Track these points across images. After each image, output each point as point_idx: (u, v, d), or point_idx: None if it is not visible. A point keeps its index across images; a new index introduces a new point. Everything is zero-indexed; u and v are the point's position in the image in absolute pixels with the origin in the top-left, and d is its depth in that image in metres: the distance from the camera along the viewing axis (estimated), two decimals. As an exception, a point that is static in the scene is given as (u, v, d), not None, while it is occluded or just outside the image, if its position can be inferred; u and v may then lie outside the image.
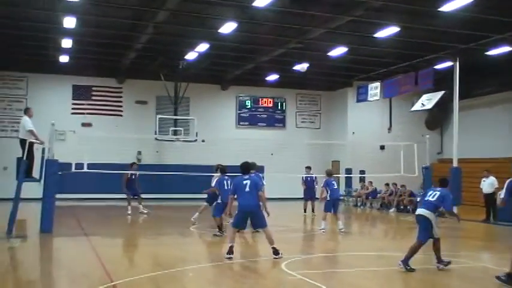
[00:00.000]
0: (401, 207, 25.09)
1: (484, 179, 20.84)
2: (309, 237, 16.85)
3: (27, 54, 27.06)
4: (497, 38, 21.70)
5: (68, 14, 19.90)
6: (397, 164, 21.15)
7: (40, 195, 15.60)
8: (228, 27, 20.88)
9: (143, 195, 21.82)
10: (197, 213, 17.22)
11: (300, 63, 25.67)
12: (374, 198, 27.52)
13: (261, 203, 11.85)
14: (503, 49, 22.92)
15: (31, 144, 15.16)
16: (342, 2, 19.07)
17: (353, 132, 32.13)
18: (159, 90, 29.47)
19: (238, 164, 12.09)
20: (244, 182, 11.55)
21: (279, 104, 33.76)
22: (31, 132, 15.15)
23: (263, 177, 16.99)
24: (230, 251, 11.21)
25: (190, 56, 26.08)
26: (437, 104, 26.48)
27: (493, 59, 24.42)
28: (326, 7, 19.50)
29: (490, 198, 19.92)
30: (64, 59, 27.33)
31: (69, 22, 20.53)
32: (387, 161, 27.42)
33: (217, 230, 15.19)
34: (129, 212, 20.86)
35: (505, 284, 9.04)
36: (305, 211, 22.08)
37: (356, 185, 30.31)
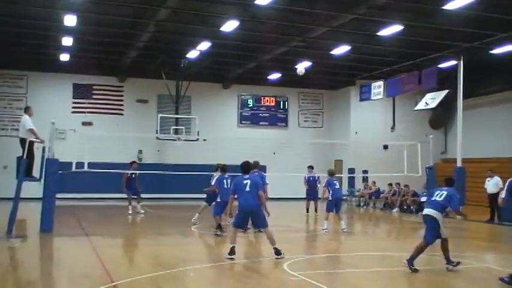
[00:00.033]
0: (405, 207, 25.06)
1: (488, 178, 20.80)
2: (312, 238, 16.83)
3: (27, 52, 27.08)
4: (501, 36, 21.66)
5: (69, 11, 19.92)
6: (400, 163, 21.14)
7: (40, 195, 15.61)
8: (230, 26, 20.87)
9: (144, 195, 21.82)
10: (197, 214, 17.27)
11: (302, 61, 25.66)
12: (377, 198, 27.50)
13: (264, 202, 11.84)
14: (508, 48, 22.88)
15: (31, 143, 15.17)
16: (345, 0, 19.05)
17: (356, 132, 32.11)
18: (160, 89, 29.49)
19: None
20: (245, 181, 11.53)
21: (281, 103, 33.75)
22: (31, 131, 15.16)
23: (265, 176, 17.00)
24: (232, 252, 11.20)
25: (192, 54, 26.07)
26: (441, 103, 26.47)
27: (497, 57, 24.39)
28: (329, 5, 19.48)
29: (495, 198, 19.89)
30: (64, 57, 27.35)
31: (70, 20, 20.54)
32: (390, 160, 27.37)
33: (218, 229, 15.23)
34: (130, 211, 20.87)
35: (508, 285, 9.01)
36: (307, 211, 22.07)
37: (359, 184, 30.29)
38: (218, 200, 15.44)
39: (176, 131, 27.36)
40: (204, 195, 17.03)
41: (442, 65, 24.99)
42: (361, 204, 28.35)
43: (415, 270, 10.12)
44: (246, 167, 11.89)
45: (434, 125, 32.67)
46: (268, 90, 33.18)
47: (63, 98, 29.79)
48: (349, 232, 16.87)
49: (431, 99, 26.50)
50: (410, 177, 21.82)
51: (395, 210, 25.17)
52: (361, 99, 28.97)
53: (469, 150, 24.70)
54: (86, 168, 16.65)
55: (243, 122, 32.99)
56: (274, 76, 31.15)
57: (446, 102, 27.02)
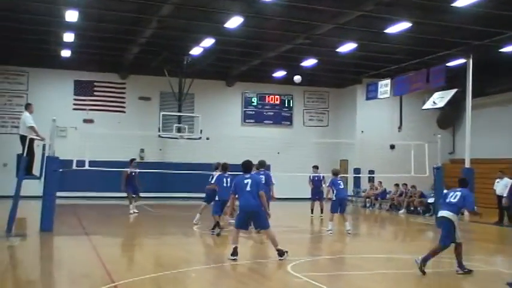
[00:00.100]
0: (412, 208, 25.02)
1: (497, 180, 20.75)
2: (316, 239, 16.84)
3: (28, 48, 27.15)
4: (511, 34, 21.60)
5: (70, 7, 19.95)
6: (407, 164, 21.11)
7: (40, 193, 15.65)
8: (234, 22, 20.87)
9: (146, 194, 21.83)
10: (198, 214, 17.33)
11: (307, 59, 25.63)
12: (383, 199, 27.47)
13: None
14: (518, 46, 22.84)
15: (31, 140, 15.21)
16: (352, -3, 19.07)
17: (362, 131, 32.08)
18: (163, 86, 29.51)
19: (244, 163, 12.07)
20: (246, 181, 11.50)
21: (286, 101, 33.73)
22: (32, 128, 15.20)
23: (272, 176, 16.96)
24: (234, 253, 11.21)
25: (195, 51, 26.10)
26: (450, 103, 26.39)
27: (507, 56, 24.32)
28: (335, 1, 19.46)
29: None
30: (66, 53, 27.40)
31: (71, 15, 20.58)
32: (397, 160, 27.31)
33: (215, 228, 15.36)
34: (131, 211, 20.91)
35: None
36: (312, 212, 22.06)
37: (365, 185, 30.27)
38: (217, 199, 15.52)
39: (179, 129, 27.38)
40: (203, 195, 17.11)
41: (451, 64, 24.92)
42: (367, 205, 28.33)
43: (423, 272, 10.10)
44: (247, 166, 11.86)
45: (442, 125, 32.61)
46: (273, 88, 33.17)
47: (64, 95, 29.85)
48: (354, 233, 16.87)
49: (440, 99, 26.43)
50: (417, 177, 21.79)
51: (401, 211, 25.14)
52: (368, 98, 28.91)
53: (477, 151, 24.64)
54: (86, 167, 16.70)
55: (246, 120, 33.00)
56: (279, 74, 31.13)
57: (454, 102, 26.95)
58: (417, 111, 31.02)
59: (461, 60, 24.18)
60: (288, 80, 31.90)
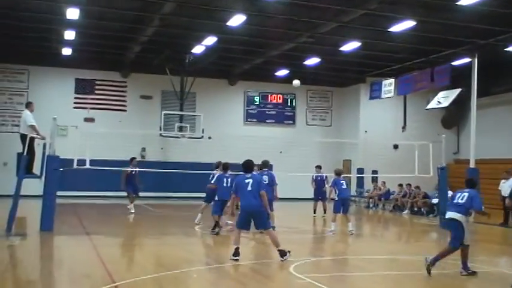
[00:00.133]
0: (415, 209, 25.01)
1: (503, 180, 20.71)
2: (319, 239, 16.84)
3: (28, 46, 27.18)
4: (517, 33, 21.61)
5: (71, 4, 19.97)
6: (411, 164, 21.06)
7: (40, 192, 15.68)
8: (236, 20, 20.88)
9: (146, 194, 21.84)
10: (199, 214, 17.36)
11: (310, 57, 25.61)
12: (387, 200, 27.46)
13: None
14: (524, 45, 22.82)
15: (32, 139, 15.22)
16: (355, -5, 19.06)
17: (365, 131, 32.06)
18: (164, 85, 29.53)
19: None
20: (246, 180, 11.47)
21: (289, 100, 33.73)
22: (32, 127, 15.21)
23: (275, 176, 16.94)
24: (236, 253, 11.21)
25: (197, 49, 26.11)
26: (454, 102, 26.38)
27: (512, 55, 24.31)
28: (338, 0, 19.46)
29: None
30: (67, 51, 27.44)
31: (72, 13, 20.60)
32: (401, 160, 27.32)
33: (215, 228, 15.43)
34: (132, 210, 20.93)
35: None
36: (314, 212, 22.06)
37: (368, 185, 30.25)
38: (216, 198, 15.56)
39: (180, 128, 27.37)
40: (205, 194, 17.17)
41: (456, 63, 24.90)
42: (370, 205, 28.32)
43: (429, 271, 10.09)
44: (248, 166, 11.81)
45: (446, 125, 32.56)
46: (276, 87, 33.17)
47: (64, 93, 29.88)
48: (357, 234, 16.86)
49: (444, 98, 26.42)
50: (421, 178, 21.74)
51: (405, 212, 25.13)
52: (371, 97, 28.91)
53: (482, 151, 24.59)
54: (87, 166, 16.70)
55: (249, 119, 33.01)
56: (282, 72, 31.14)
57: (459, 101, 26.91)
58: (421, 111, 30.99)
59: (466, 60, 24.14)
60: (290, 79, 31.89)
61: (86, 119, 29.50)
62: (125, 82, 31.01)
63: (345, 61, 28.35)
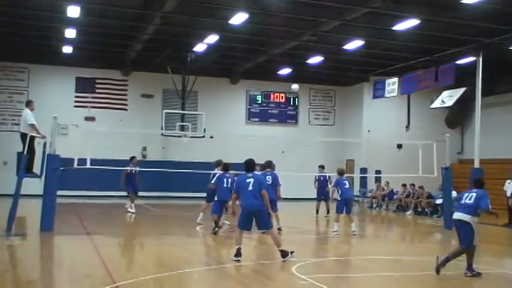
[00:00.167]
0: (419, 209, 25.00)
1: (508, 181, 20.67)
2: (322, 240, 16.84)
3: (28, 44, 27.21)
4: (523, 32, 21.57)
5: (72, 2, 20.00)
6: (414, 164, 21.04)
7: (41, 192, 15.68)
8: (238, 18, 20.88)
9: (147, 193, 21.85)
10: (201, 214, 17.39)
11: (313, 56, 25.58)
12: (390, 200, 27.43)
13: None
14: (529, 44, 22.77)
15: (32, 138, 15.23)
16: (359, -7, 19.05)
17: (369, 130, 32.06)
18: (166, 84, 29.54)
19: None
20: (248, 180, 11.45)
21: (291, 99, 33.72)
22: (32, 126, 15.22)
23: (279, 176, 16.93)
24: (238, 253, 11.20)
25: (199, 48, 26.11)
26: (459, 101, 26.35)
27: (518, 54, 24.27)
28: (342, -2, 19.48)
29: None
30: (67, 49, 27.46)
31: (73, 11, 20.62)
32: (404, 160, 27.28)
33: (215, 228, 15.46)
34: (133, 210, 20.94)
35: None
36: (317, 212, 22.05)
37: (371, 185, 30.24)
38: (216, 199, 15.57)
39: (182, 128, 27.38)
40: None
41: (460, 61, 24.86)
42: (374, 205, 28.31)
43: (438, 271, 10.08)
44: (250, 165, 11.78)
45: (450, 124, 32.54)
46: (278, 85, 33.16)
47: (65, 92, 29.91)
48: (360, 235, 16.86)
49: (448, 97, 26.38)
50: (425, 178, 21.72)
51: (409, 212, 25.12)
52: (375, 97, 28.85)
53: (486, 151, 24.54)
54: (88, 165, 16.72)
55: (251, 118, 33.01)
56: (284, 71, 31.14)
57: (463, 101, 26.88)
58: (425, 110, 30.96)
59: (471, 58, 24.06)
60: (293, 78, 31.93)
61: (87, 118, 29.54)
62: (126, 81, 31.03)
63: (348, 60, 28.34)
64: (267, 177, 15.51)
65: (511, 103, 28.92)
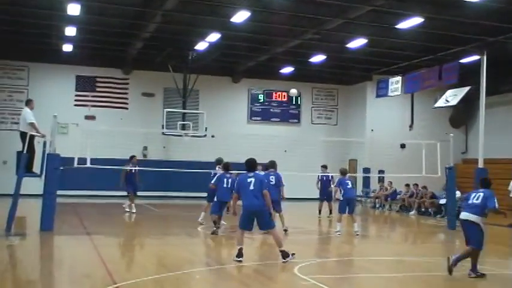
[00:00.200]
0: (423, 209, 24.97)
1: (513, 181, 20.67)
2: (324, 240, 16.84)
3: (28, 42, 27.23)
4: (527, 30, 21.55)
5: (72, 0, 19.98)
6: (418, 163, 21.03)
7: (40, 191, 15.70)
8: (240, 16, 20.87)
9: (148, 193, 21.85)
10: (203, 213, 17.43)
11: (316, 54, 25.57)
12: (393, 200, 27.41)
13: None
14: (534, 42, 22.74)
15: (32, 137, 15.25)
16: (362, -9, 19.03)
17: (372, 130, 32.03)
18: (167, 82, 29.55)
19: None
20: (249, 179, 11.42)
21: (294, 98, 33.65)
22: (32, 125, 15.24)
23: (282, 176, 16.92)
24: (239, 254, 11.19)
25: (201, 46, 26.11)
26: (463, 101, 26.28)
27: (523, 53, 24.24)
28: (345, -4, 19.46)
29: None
30: (67, 48, 27.46)
31: (73, 9, 20.61)
32: (408, 160, 27.30)
33: (214, 227, 15.51)
34: (134, 210, 20.97)
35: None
36: (320, 212, 22.05)
37: (374, 185, 30.21)
38: (215, 199, 15.58)
39: (183, 127, 27.35)
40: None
41: (464, 60, 24.83)
42: (377, 205, 28.29)
43: (450, 271, 10.08)
44: (251, 164, 11.74)
45: (454, 124, 32.51)
46: (280, 84, 33.14)
47: (65, 91, 29.92)
48: (363, 235, 16.86)
49: (452, 96, 26.33)
50: (428, 178, 21.72)
51: (412, 212, 25.10)
52: (378, 96, 28.85)
53: (491, 151, 24.54)
54: (88, 164, 16.73)
55: (253, 117, 33.00)
56: (287, 70, 31.14)
57: (467, 100, 26.83)
58: (429, 110, 30.92)
59: (475, 57, 24.08)
60: (295, 77, 32.03)
61: (87, 117, 29.55)
62: (127, 79, 31.03)
63: (351, 58, 28.32)
64: (271, 177, 15.53)
65: (516, 102, 28.91)
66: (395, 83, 26.69)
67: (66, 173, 16.87)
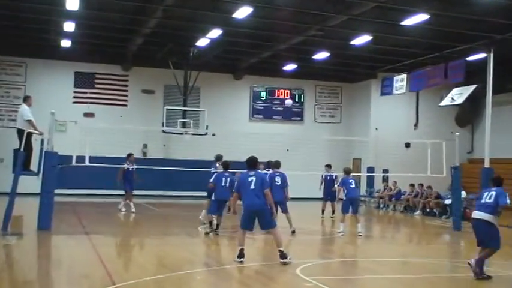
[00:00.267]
0: (428, 210, 24.95)
1: (519, 181, 20.62)
2: (327, 241, 16.84)
3: (26, 38, 27.19)
4: (536, 28, 21.52)
5: (71, -5, 20.01)
6: (423, 163, 21.02)
7: (38, 190, 15.69)
8: (243, 12, 20.85)
9: (148, 192, 21.85)
10: (203, 211, 17.38)
11: (319, 51, 25.53)
12: (398, 200, 27.40)
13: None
14: (543, 40, 22.70)
15: (29, 134, 15.26)
16: (367, -14, 19.02)
17: (376, 128, 32.02)
18: (167, 79, 29.54)
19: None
20: (250, 178, 11.39)
21: (297, 96, 33.65)
22: (29, 122, 15.25)
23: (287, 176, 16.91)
24: (241, 254, 11.19)
25: (202, 42, 26.09)
26: (469, 99, 26.30)
27: (530, 50, 24.20)
28: (349, -9, 19.45)
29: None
30: (66, 43, 27.47)
31: (72, 4, 20.59)
32: (413, 159, 27.29)
33: (211, 227, 15.56)
34: (133, 209, 20.98)
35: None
36: (323, 212, 22.05)
37: (378, 185, 30.21)
38: (213, 198, 15.57)
39: (184, 124, 27.38)
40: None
41: (471, 58, 24.81)
42: (381, 206, 28.27)
43: (476, 275, 10.10)
44: (252, 163, 11.72)
45: (460, 123, 32.50)
46: (283, 82, 33.13)
47: (64, 87, 29.91)
48: (367, 236, 16.87)
49: (458, 95, 26.33)
50: (433, 177, 21.68)
51: (417, 213, 25.08)
52: (383, 94, 28.84)
53: (497, 150, 24.54)
54: (86, 163, 16.73)
55: (255, 115, 32.99)
56: (290, 67, 31.12)
57: (474, 98, 26.84)
58: (434, 108, 30.89)
59: (482, 55, 24.08)
60: (299, 74, 32.04)
61: (86, 114, 29.53)
62: (127, 76, 31.03)
63: (355, 55, 28.30)
64: (276, 177, 15.55)
65: (523, 101, 28.88)
66: (400, 81, 26.69)
67: (64, 171, 16.90)
